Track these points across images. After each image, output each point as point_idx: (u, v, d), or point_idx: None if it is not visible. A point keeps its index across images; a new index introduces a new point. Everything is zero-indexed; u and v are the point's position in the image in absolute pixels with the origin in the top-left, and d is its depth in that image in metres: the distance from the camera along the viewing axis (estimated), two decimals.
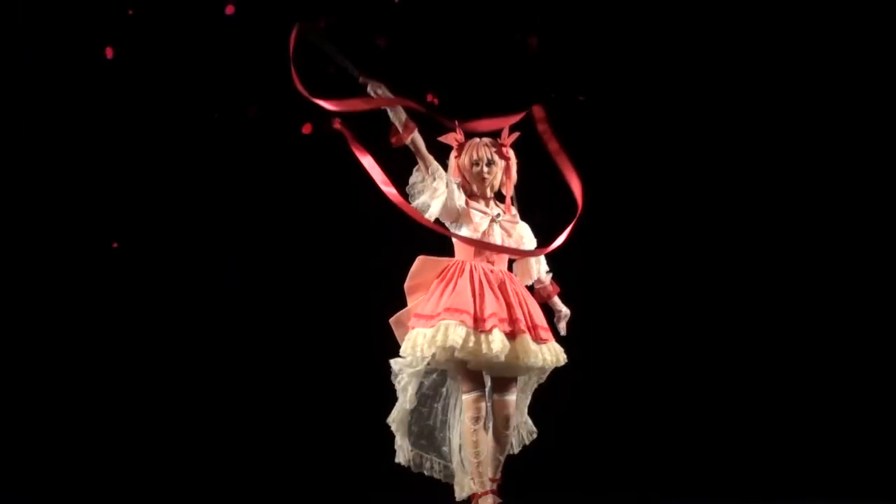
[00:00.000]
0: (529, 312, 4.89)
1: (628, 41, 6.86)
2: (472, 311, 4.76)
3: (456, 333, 4.69)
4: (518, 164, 5.03)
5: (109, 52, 6.61)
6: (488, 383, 4.95)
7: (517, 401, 4.98)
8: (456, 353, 4.72)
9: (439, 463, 5.05)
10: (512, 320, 4.82)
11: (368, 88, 4.75)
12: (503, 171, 5.00)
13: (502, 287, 4.89)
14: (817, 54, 6.86)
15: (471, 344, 4.70)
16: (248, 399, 6.84)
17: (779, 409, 6.87)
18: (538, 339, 4.86)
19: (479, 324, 4.75)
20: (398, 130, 4.79)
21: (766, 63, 6.89)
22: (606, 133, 6.87)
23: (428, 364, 4.88)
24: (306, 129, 6.51)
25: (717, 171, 6.95)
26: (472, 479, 4.90)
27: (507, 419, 4.89)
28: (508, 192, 5.04)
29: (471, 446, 4.87)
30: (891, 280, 6.89)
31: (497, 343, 4.72)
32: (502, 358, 4.73)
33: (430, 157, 4.89)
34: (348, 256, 6.86)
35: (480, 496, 4.88)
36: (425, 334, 4.77)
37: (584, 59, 6.81)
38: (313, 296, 6.89)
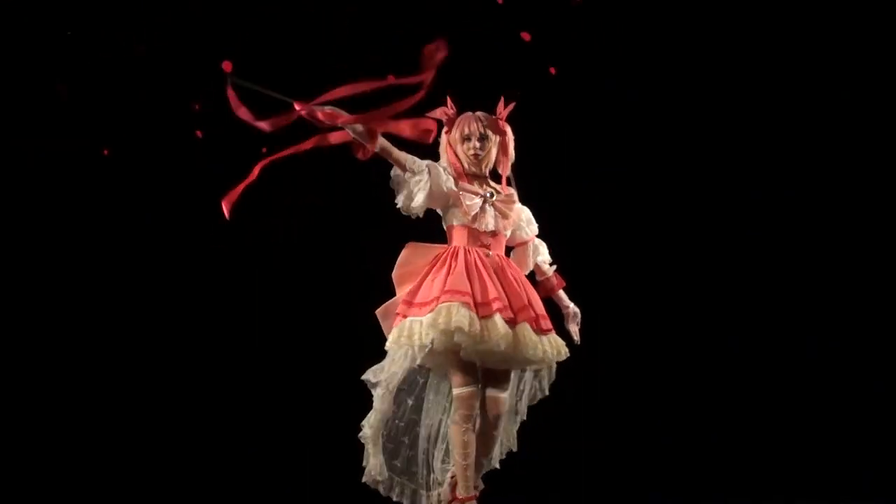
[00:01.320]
0: (531, 300, 4.55)
1: (625, 38, 6.80)
2: (472, 294, 4.41)
3: (460, 314, 4.34)
4: (516, 139, 4.70)
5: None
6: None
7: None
8: (456, 338, 4.34)
9: (409, 488, 4.71)
10: (513, 307, 4.47)
11: (309, 114, 4.37)
12: (498, 147, 4.66)
13: (500, 272, 4.55)
14: (814, 52, 6.81)
15: (475, 328, 4.34)
16: (237, 404, 6.74)
17: (779, 410, 6.78)
18: (539, 330, 4.52)
19: (480, 308, 4.39)
20: (361, 143, 4.42)
21: (764, 61, 6.83)
22: (607, 128, 6.83)
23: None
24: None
25: (717, 171, 6.86)
26: (458, 483, 4.52)
27: (497, 418, 4.53)
28: (504, 170, 4.70)
29: (460, 447, 4.48)
30: (891, 280, 6.81)
31: (500, 329, 4.39)
32: (503, 346, 4.39)
33: (404, 155, 4.53)
34: (330, 249, 6.77)
35: (464, 501, 4.52)
36: (422, 321, 4.42)
37: (584, 56, 6.76)
38: (299, 293, 6.80)
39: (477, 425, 4.53)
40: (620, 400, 6.72)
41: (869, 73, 6.78)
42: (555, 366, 4.68)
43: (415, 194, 4.52)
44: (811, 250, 6.85)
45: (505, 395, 4.57)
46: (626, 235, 6.84)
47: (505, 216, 4.64)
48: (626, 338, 6.72)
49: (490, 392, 4.54)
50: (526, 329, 4.46)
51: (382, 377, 4.54)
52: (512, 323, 4.45)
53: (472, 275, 4.48)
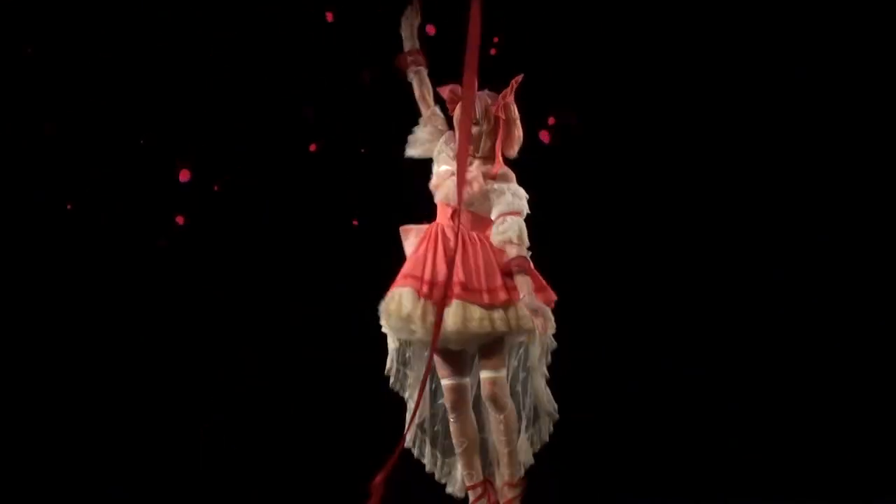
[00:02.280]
0: (483, 273, 4.40)
1: (622, 40, 6.77)
2: (420, 276, 4.42)
3: (406, 300, 4.38)
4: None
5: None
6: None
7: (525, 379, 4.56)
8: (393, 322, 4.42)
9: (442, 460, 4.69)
10: (450, 284, 4.35)
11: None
12: (493, 129, 4.52)
13: (457, 247, 4.41)
14: (811, 51, 6.79)
15: (418, 311, 4.37)
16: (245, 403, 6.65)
17: (778, 409, 6.77)
18: (487, 303, 4.36)
19: (423, 291, 4.40)
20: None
21: (760, 59, 6.79)
22: (601, 132, 6.77)
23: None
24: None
25: (714, 170, 6.83)
26: (462, 471, 4.55)
27: (492, 400, 4.42)
28: (498, 152, 4.52)
29: (453, 436, 4.52)
30: (891, 280, 6.84)
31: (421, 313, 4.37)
32: (419, 333, 4.39)
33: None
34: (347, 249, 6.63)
35: (469, 488, 4.54)
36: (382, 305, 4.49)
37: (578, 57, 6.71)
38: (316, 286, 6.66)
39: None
40: (616, 399, 6.68)
41: (867, 73, 6.76)
42: (536, 338, 4.49)
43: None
44: (809, 252, 6.82)
45: (492, 376, 4.42)
46: (622, 236, 6.80)
47: (468, 190, 4.46)
48: (623, 338, 6.70)
49: (482, 374, 4.47)
50: (458, 306, 4.34)
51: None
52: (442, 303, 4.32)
53: (425, 255, 4.45)
